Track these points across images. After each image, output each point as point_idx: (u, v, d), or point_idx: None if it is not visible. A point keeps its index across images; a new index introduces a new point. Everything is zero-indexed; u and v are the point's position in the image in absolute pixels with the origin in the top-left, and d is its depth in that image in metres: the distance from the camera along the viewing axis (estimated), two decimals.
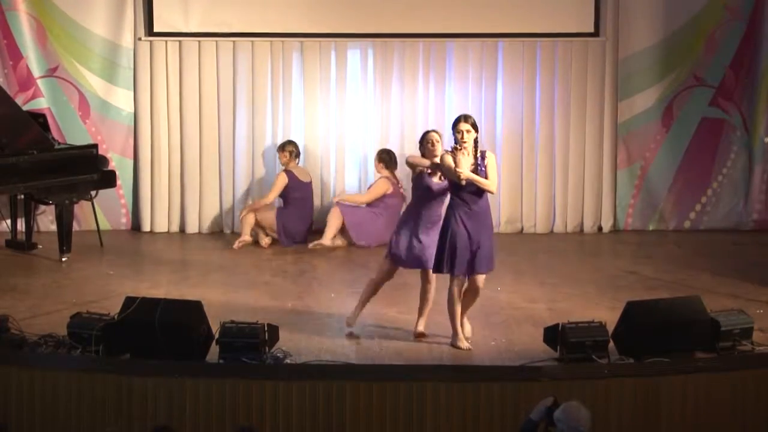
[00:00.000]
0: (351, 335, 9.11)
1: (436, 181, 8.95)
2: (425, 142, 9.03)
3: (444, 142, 9.13)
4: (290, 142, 12.03)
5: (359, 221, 11.82)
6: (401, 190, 11.86)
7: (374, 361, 8.51)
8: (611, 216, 12.54)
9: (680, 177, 12.49)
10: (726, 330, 8.51)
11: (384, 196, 11.88)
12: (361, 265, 11.01)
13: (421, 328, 9.07)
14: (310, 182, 12.09)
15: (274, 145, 12.37)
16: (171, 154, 12.40)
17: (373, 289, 9.28)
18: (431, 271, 8.98)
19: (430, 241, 8.95)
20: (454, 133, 8.81)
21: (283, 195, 11.94)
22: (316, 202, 12.24)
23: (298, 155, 12.01)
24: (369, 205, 11.89)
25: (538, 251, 11.78)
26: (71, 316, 8.58)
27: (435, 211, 8.97)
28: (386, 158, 11.95)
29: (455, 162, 8.65)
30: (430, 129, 9.43)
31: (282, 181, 11.88)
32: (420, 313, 9.11)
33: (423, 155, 9.03)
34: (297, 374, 8.10)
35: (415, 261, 9.08)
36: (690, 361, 8.37)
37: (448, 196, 8.87)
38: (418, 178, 9.01)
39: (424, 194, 9.00)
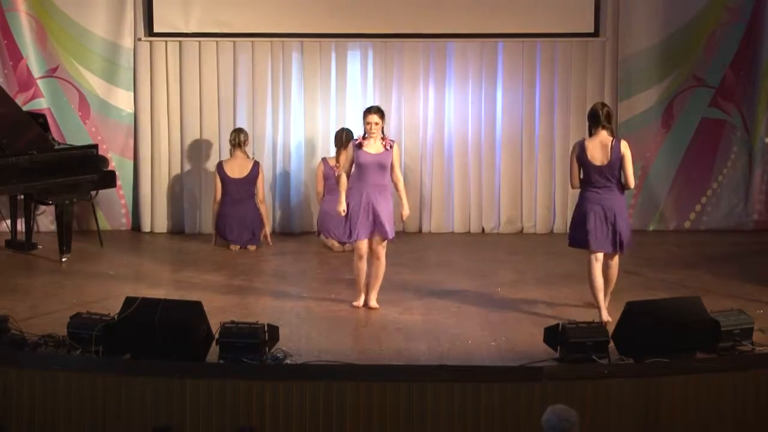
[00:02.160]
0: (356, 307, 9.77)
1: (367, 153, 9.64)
2: (365, 122, 9.66)
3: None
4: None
5: (322, 218, 11.79)
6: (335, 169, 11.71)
7: (374, 361, 8.51)
8: None
9: (680, 177, 12.49)
10: (726, 330, 8.51)
11: (326, 180, 11.81)
12: None
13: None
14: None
15: (274, 145, 12.38)
16: (171, 154, 12.41)
17: (360, 270, 9.76)
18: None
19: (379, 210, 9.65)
20: (364, 124, 9.67)
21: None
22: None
23: (237, 144, 11.91)
24: (328, 194, 11.74)
25: (538, 251, 11.78)
26: (71, 317, 8.58)
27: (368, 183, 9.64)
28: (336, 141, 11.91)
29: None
30: (374, 107, 9.87)
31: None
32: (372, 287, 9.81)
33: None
34: (297, 374, 8.10)
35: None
36: (690, 361, 8.37)
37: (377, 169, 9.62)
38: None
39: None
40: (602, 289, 9.47)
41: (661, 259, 11.44)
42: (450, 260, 11.47)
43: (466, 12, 12.17)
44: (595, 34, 12.28)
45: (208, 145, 12.40)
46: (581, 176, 9.54)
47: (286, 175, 12.47)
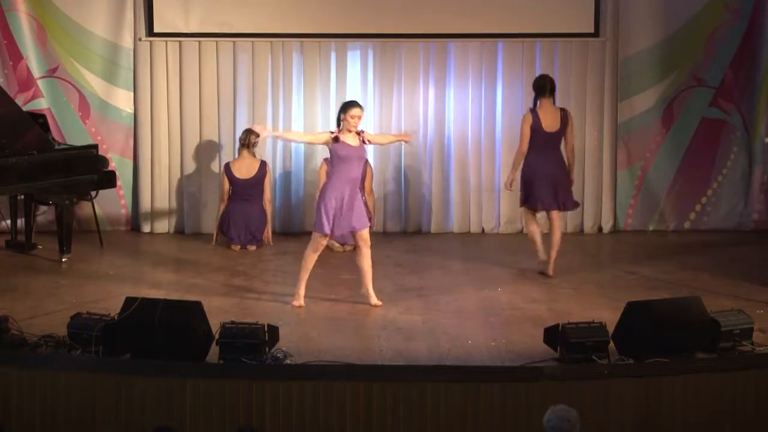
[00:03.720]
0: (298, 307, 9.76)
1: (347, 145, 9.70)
2: (349, 116, 9.68)
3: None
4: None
5: None
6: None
7: (374, 361, 8.52)
8: (611, 216, 12.55)
9: (680, 177, 12.50)
10: (726, 330, 8.51)
11: None
12: None
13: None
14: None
15: (274, 145, 12.38)
16: (171, 155, 12.41)
17: (309, 264, 9.79)
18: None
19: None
20: (347, 118, 9.66)
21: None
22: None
23: (245, 145, 11.91)
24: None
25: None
26: (71, 317, 8.58)
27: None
28: None
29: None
30: (354, 100, 10.03)
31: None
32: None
33: (340, 124, 9.73)
34: (297, 374, 8.10)
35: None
36: (690, 362, 8.37)
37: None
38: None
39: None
40: (540, 237, 10.72)
41: (661, 259, 11.44)
42: (450, 260, 11.47)
43: (466, 12, 12.17)
44: (595, 34, 12.28)
45: (208, 144, 12.41)
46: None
47: (286, 174, 12.47)
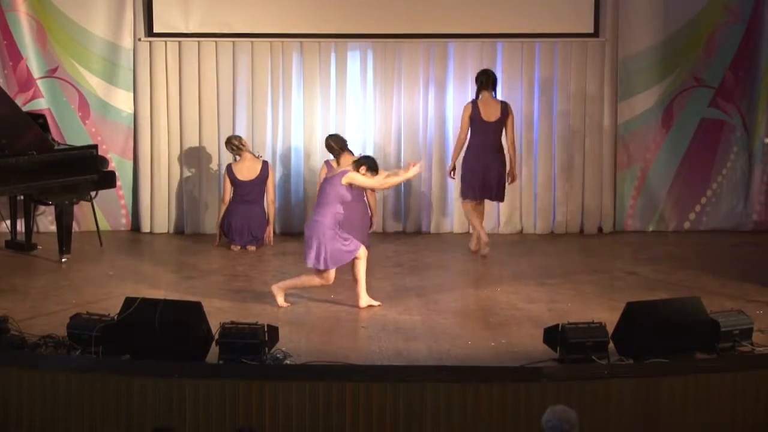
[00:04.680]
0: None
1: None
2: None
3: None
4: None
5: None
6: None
7: (374, 361, 8.52)
8: (611, 217, 12.55)
9: (680, 178, 12.49)
10: (726, 331, 8.52)
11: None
12: None
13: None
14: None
15: (273, 145, 12.37)
16: (171, 155, 12.41)
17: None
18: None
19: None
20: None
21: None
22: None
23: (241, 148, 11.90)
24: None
25: (538, 251, 11.78)
26: (71, 317, 8.58)
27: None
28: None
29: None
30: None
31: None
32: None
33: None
34: (297, 374, 8.10)
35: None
36: (690, 362, 8.38)
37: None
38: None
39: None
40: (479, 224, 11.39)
41: (661, 259, 11.44)
42: (449, 260, 11.47)
43: (465, 12, 12.16)
44: (595, 34, 12.28)
45: (208, 145, 12.40)
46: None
47: (286, 175, 12.46)
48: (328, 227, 9.55)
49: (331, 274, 9.66)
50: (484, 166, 11.32)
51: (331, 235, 9.54)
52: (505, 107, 11.36)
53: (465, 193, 11.44)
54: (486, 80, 11.36)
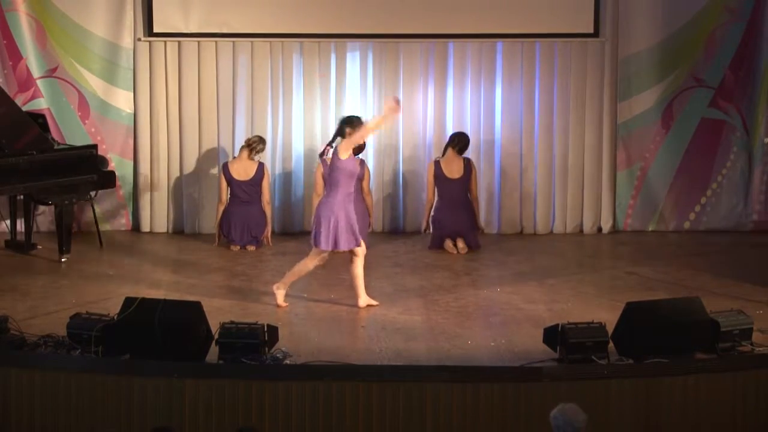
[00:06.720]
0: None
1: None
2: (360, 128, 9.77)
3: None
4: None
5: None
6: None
7: (374, 361, 8.52)
8: (611, 217, 12.55)
9: (680, 178, 12.49)
10: (726, 331, 8.51)
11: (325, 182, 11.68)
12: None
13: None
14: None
15: (273, 145, 12.37)
16: (170, 155, 12.41)
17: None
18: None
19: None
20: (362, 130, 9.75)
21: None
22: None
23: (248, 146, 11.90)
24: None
25: (538, 251, 11.78)
26: (71, 317, 8.58)
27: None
28: None
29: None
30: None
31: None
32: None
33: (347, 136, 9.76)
34: (297, 374, 8.10)
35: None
36: (690, 362, 8.37)
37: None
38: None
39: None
40: None
41: (661, 259, 11.44)
42: (449, 260, 11.46)
43: (465, 12, 12.17)
44: (595, 34, 12.28)
45: (208, 145, 12.40)
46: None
47: (285, 175, 12.46)
48: (339, 206, 9.58)
49: (326, 253, 9.71)
50: (453, 222, 11.72)
51: (344, 215, 9.58)
52: (468, 164, 11.80)
53: (434, 243, 11.76)
54: (458, 141, 11.81)
